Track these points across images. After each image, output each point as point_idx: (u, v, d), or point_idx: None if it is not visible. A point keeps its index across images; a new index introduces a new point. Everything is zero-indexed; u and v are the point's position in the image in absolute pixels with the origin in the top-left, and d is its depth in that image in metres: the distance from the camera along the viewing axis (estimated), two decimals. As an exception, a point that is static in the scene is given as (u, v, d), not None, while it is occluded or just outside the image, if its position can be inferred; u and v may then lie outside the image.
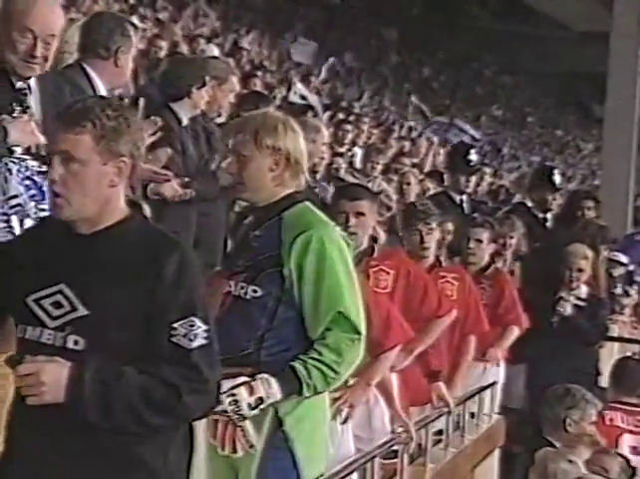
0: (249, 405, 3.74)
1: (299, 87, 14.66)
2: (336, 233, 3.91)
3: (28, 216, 3.79)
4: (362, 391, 5.03)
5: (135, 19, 11.20)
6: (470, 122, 25.88)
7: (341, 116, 13.30)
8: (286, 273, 3.81)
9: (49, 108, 4.16)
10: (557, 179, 9.27)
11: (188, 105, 6.03)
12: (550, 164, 16.22)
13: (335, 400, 4.79)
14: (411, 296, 5.80)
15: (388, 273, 5.77)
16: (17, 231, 3.75)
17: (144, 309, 2.80)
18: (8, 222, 3.71)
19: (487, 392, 7.19)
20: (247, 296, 3.88)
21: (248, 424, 3.80)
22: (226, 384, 3.64)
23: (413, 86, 28.74)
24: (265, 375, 3.77)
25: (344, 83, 22.84)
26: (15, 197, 3.81)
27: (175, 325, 2.80)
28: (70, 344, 2.81)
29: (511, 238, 8.01)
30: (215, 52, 9.88)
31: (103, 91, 5.10)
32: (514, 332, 7.28)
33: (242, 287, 3.89)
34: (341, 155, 9.84)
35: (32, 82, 4.17)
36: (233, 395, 3.73)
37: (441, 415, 6.13)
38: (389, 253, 5.88)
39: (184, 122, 6.03)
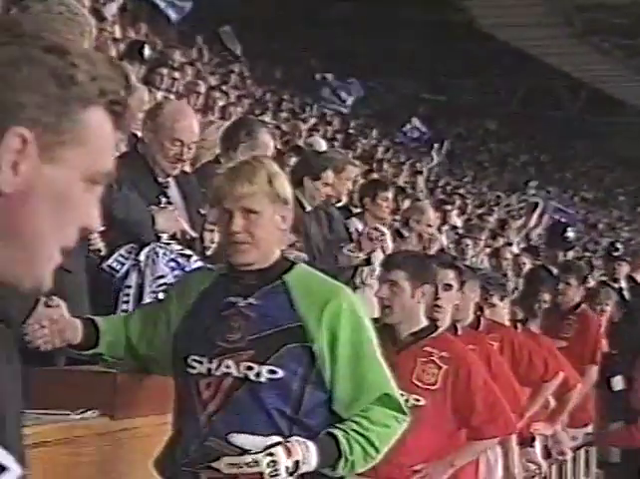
0: (287, 469, 2.84)
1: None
2: (356, 297, 3.15)
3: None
4: (443, 470, 4.29)
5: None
6: (563, 202, 25.59)
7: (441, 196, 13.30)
8: (317, 351, 2.91)
9: (191, 199, 4.32)
10: (619, 252, 9.45)
11: (307, 194, 6.08)
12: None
13: (415, 472, 4.23)
14: (517, 365, 5.63)
15: (492, 346, 5.59)
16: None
17: None
18: (156, 299, 3.76)
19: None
20: (261, 379, 2.90)
21: None
22: (258, 442, 2.87)
23: (511, 171, 28.61)
24: (301, 438, 2.89)
25: (445, 168, 22.81)
26: (162, 277, 3.87)
27: None
28: None
29: (607, 305, 7.92)
30: (323, 145, 9.83)
31: None
32: None
33: (250, 368, 2.91)
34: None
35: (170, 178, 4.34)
36: (271, 455, 2.84)
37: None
38: (493, 326, 5.65)
39: (307, 208, 6.07)
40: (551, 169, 31.26)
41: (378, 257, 5.89)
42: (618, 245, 9.80)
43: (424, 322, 4.28)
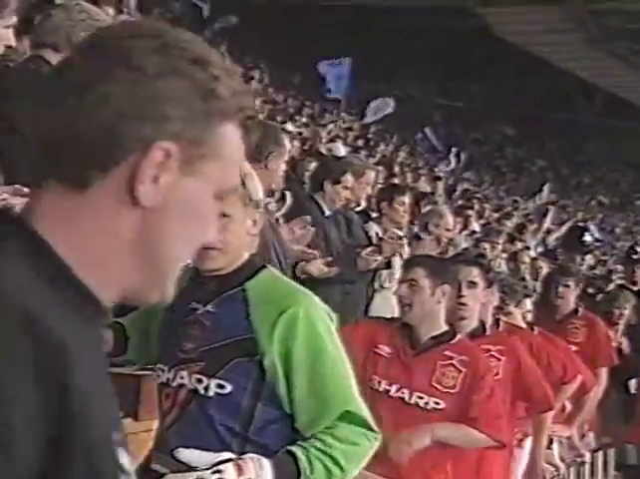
0: None
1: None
2: (320, 306, 2.70)
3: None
4: (422, 436, 4.02)
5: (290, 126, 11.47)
6: (579, 206, 25.51)
7: (460, 202, 13.26)
8: (267, 364, 2.60)
9: None
10: (638, 255, 9.40)
11: (327, 198, 6.06)
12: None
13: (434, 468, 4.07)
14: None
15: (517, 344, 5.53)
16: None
17: None
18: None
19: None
20: (209, 393, 2.65)
21: None
22: (207, 457, 2.58)
23: (527, 175, 28.52)
24: (255, 455, 2.56)
25: (463, 173, 22.78)
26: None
27: None
28: None
29: (625, 309, 7.83)
30: (342, 150, 9.79)
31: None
32: None
33: (200, 381, 2.67)
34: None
35: None
36: (219, 472, 2.52)
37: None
38: (511, 329, 5.49)
39: (327, 212, 6.06)
40: (568, 173, 31.19)
41: (397, 262, 5.86)
42: (638, 249, 9.73)
43: (444, 327, 4.21)
